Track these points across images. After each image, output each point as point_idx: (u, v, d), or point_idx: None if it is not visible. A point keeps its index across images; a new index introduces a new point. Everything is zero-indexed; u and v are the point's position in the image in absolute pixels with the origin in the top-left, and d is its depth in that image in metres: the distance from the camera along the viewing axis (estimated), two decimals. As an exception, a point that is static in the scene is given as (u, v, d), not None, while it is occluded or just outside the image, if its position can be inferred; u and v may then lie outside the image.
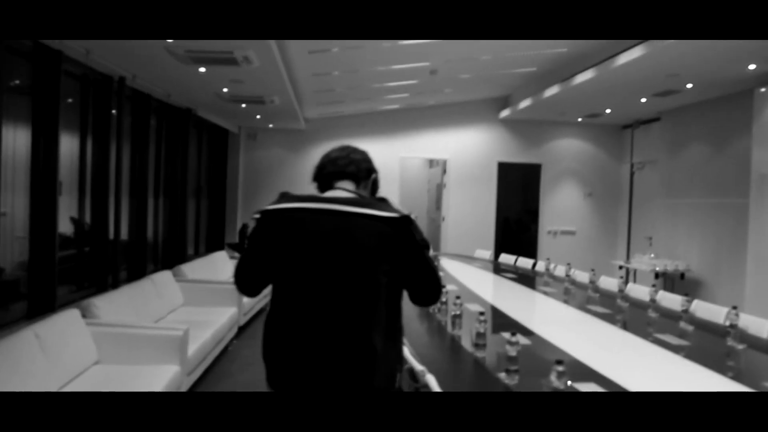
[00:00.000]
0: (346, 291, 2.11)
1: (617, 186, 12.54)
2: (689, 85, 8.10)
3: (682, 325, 4.58)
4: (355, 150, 2.44)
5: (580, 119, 11.76)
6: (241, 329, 7.51)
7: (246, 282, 2.32)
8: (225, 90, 7.70)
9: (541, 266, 8.10)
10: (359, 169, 2.37)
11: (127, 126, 7.47)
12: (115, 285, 6.66)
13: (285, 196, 2.26)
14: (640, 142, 11.67)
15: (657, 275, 9.25)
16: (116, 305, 5.16)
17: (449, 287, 5.75)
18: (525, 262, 8.75)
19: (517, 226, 14.72)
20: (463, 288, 6.17)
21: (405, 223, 2.14)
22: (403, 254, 2.15)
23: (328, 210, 2.16)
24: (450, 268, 7.87)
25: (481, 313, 3.71)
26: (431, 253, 2.48)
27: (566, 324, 4.89)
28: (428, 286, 2.27)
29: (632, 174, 11.90)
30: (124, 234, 7.38)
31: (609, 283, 6.54)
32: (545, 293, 6.15)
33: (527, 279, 7.27)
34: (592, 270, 6.30)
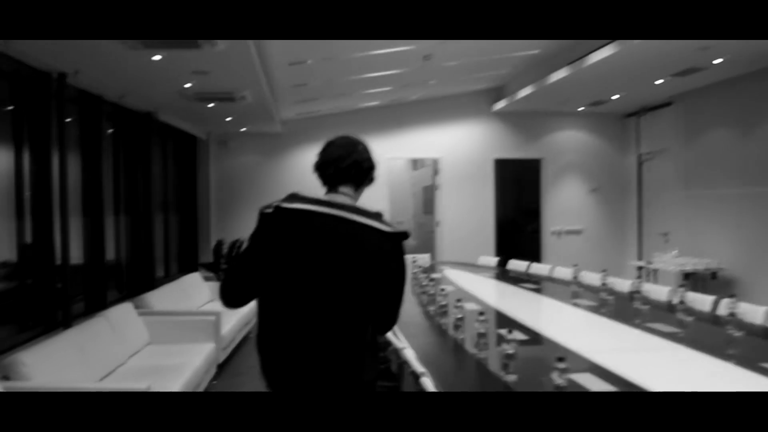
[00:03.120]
0: (350, 288, 2.21)
1: (624, 179, 11.52)
2: (717, 61, 7.14)
3: None
4: (356, 146, 2.42)
5: (581, 108, 10.76)
6: (221, 367, 6.29)
7: (239, 285, 2.31)
8: (188, 85, 6.57)
9: (562, 272, 7.09)
10: (361, 171, 2.39)
11: (76, 134, 6.37)
12: (66, 322, 5.54)
13: (295, 197, 2.29)
14: (648, 131, 10.72)
15: (687, 276, 8.26)
16: (55, 358, 4.00)
17: (468, 306, 4.71)
18: (539, 268, 7.75)
19: (511, 227, 13.73)
20: (486, 306, 5.13)
21: (402, 238, 2.27)
22: (392, 267, 2.26)
23: (336, 216, 2.23)
24: (458, 279, 6.82)
25: (560, 359, 2.65)
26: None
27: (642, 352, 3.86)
28: (395, 305, 2.34)
29: (640, 165, 10.94)
30: (77, 258, 6.29)
31: (657, 291, 5.55)
32: (578, 306, 5.16)
33: (554, 290, 6.26)
34: (638, 277, 5.30)
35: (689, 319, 4.48)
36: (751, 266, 8.02)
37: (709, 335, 4.23)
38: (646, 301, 5.15)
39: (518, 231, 13.48)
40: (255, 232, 2.30)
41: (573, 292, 5.94)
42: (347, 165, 2.35)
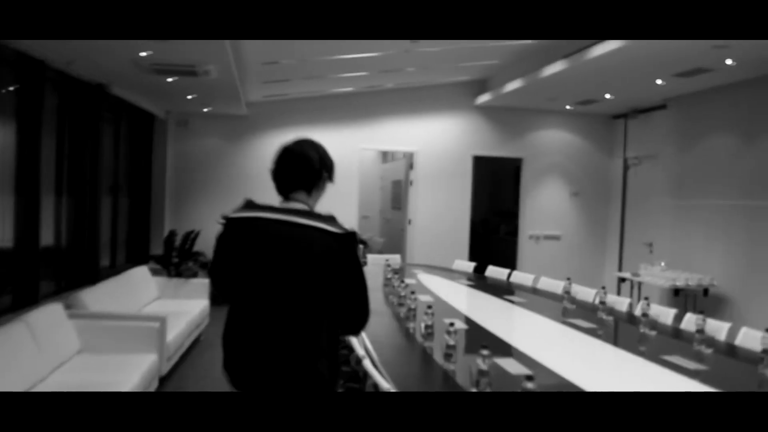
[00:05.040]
0: (300, 291, 2.28)
1: (608, 184, 10.94)
2: (729, 62, 6.55)
3: None
4: (307, 154, 2.47)
5: (569, 107, 10.15)
6: (164, 380, 5.48)
7: (216, 288, 2.53)
8: (144, 54, 5.79)
9: (548, 284, 6.47)
10: (313, 174, 2.45)
11: (13, 103, 5.57)
12: (-17, 321, 4.75)
13: (249, 205, 2.43)
14: (637, 134, 10.17)
15: (677, 292, 7.69)
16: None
17: (457, 325, 4.07)
18: (521, 278, 7.11)
19: (484, 229, 13.11)
20: (471, 323, 4.49)
21: (350, 239, 2.33)
22: (344, 268, 2.31)
23: (287, 221, 2.34)
24: (435, 287, 6.16)
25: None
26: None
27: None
28: (358, 306, 2.39)
29: (626, 170, 10.39)
30: (6, 242, 5.49)
31: (663, 313, 4.94)
32: (574, 327, 4.51)
33: (544, 306, 5.62)
34: (646, 298, 4.69)
35: (709, 351, 3.91)
36: (744, 283, 7.48)
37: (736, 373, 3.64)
38: (654, 325, 4.55)
39: (492, 233, 12.87)
40: (218, 240, 2.44)
41: (565, 309, 5.34)
42: (298, 171, 2.44)
